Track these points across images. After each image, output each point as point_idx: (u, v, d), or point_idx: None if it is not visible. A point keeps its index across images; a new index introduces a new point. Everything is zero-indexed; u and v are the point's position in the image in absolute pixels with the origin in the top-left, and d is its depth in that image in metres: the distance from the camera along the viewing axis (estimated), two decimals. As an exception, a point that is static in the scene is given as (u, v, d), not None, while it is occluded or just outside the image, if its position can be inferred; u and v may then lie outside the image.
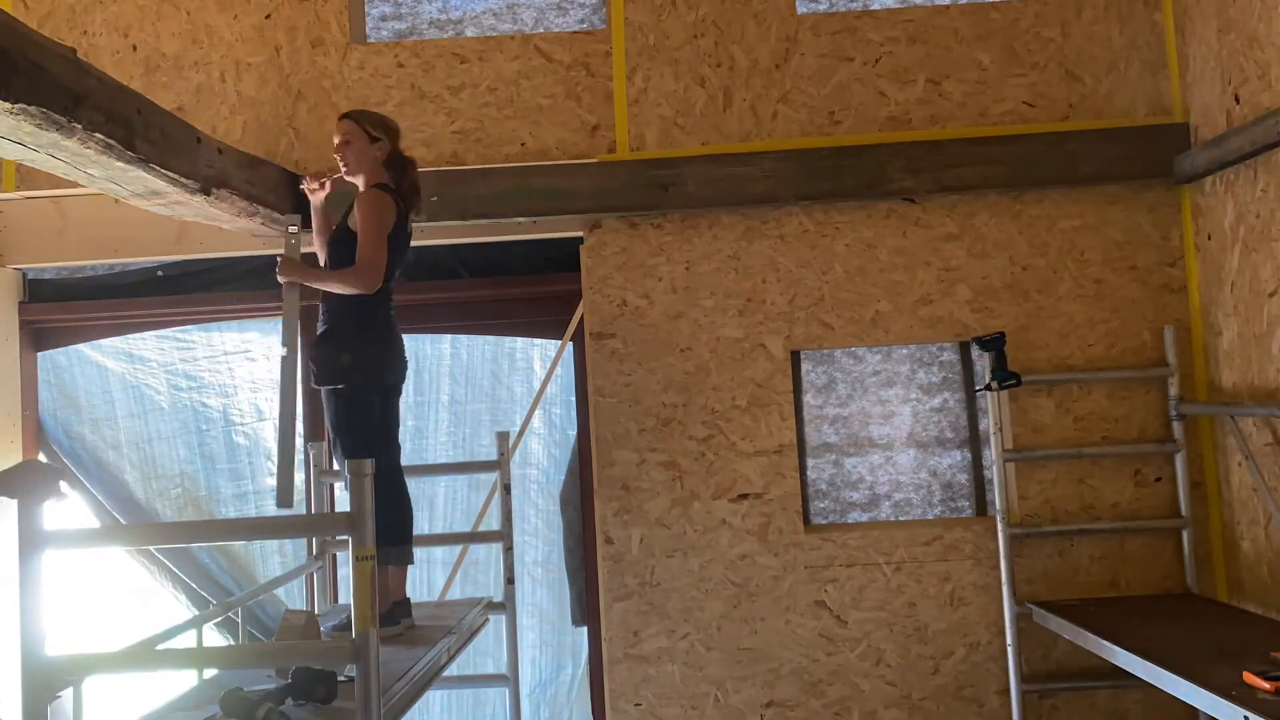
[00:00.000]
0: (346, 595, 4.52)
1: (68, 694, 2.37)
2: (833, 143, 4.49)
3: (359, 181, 3.59)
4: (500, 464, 4.14)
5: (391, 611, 3.50)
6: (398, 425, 3.73)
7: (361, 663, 2.21)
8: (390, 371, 3.59)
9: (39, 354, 4.83)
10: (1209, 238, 4.25)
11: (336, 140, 3.59)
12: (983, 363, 4.39)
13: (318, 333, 3.51)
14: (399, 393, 3.71)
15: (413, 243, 3.68)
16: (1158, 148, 4.36)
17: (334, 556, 4.43)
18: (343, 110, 4.44)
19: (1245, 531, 4.09)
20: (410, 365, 3.79)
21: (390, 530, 3.49)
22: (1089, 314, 4.43)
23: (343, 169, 3.59)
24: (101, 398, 4.84)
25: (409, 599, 3.69)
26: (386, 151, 3.56)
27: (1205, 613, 3.94)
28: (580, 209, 4.46)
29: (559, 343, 4.70)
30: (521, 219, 4.51)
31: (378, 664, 2.24)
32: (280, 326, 3.55)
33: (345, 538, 3.52)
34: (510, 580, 4.08)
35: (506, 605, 4.06)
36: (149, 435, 4.82)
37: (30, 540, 2.21)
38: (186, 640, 2.98)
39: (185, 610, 4.71)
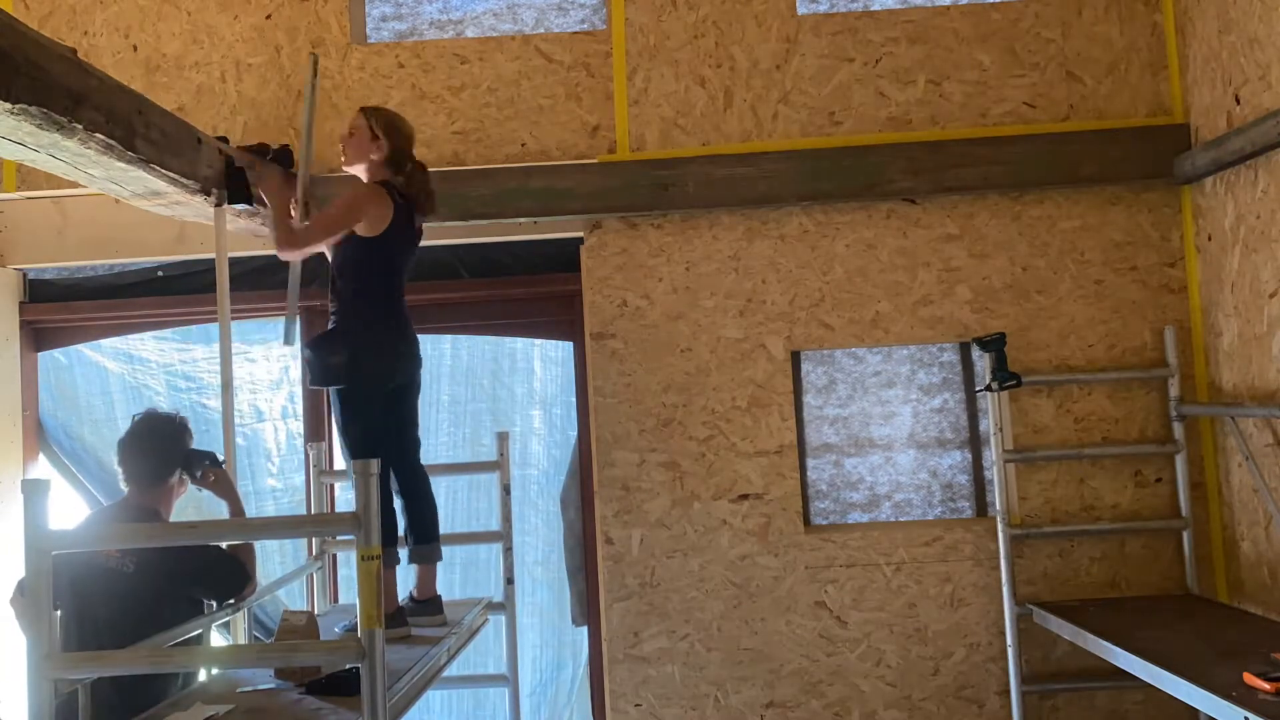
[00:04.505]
0: (346, 596, 4.53)
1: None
2: (833, 143, 4.49)
3: (358, 173, 3.62)
4: (500, 464, 4.14)
5: (396, 614, 3.48)
6: (413, 424, 3.67)
7: (368, 663, 2.20)
8: (399, 373, 3.55)
9: (39, 354, 4.82)
10: (1209, 238, 4.26)
11: (344, 130, 3.64)
12: (983, 363, 4.39)
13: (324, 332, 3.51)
14: (413, 392, 3.66)
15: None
16: (1158, 148, 4.37)
17: (334, 557, 4.43)
18: (342, 110, 4.47)
19: (1245, 532, 4.09)
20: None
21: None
22: (1089, 314, 4.44)
23: (341, 159, 3.63)
24: (101, 398, 4.83)
25: (438, 597, 3.65)
26: (385, 153, 3.55)
27: (1205, 613, 3.94)
28: (580, 209, 4.46)
29: (559, 343, 4.69)
30: (521, 219, 4.51)
31: (384, 664, 2.24)
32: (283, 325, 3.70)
33: (346, 538, 3.54)
34: (510, 580, 4.09)
35: (506, 605, 4.06)
36: (149, 436, 4.81)
37: (36, 540, 2.20)
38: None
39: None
